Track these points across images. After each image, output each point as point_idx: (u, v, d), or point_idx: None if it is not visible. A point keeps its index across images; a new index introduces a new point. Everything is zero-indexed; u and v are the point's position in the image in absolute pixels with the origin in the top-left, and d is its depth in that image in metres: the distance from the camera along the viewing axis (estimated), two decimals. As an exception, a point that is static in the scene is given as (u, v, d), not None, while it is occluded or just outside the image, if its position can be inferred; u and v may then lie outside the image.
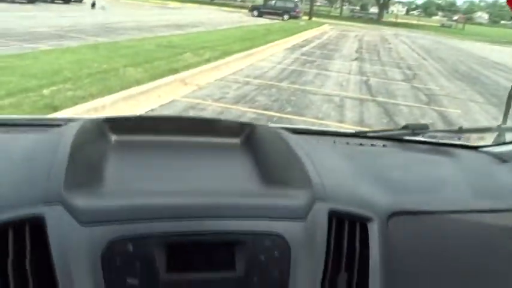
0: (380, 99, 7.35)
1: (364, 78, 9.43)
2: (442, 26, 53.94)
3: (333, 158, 0.95)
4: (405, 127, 1.21)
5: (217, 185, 0.76)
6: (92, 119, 0.96)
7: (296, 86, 7.56)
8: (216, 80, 7.29)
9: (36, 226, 0.62)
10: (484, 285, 0.87)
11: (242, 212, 0.69)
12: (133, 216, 0.63)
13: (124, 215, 0.63)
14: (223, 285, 0.63)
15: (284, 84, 7.66)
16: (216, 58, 8.81)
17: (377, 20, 46.43)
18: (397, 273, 0.76)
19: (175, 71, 7.04)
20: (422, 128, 1.21)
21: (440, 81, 10.30)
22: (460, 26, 53.04)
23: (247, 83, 7.35)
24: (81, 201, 0.63)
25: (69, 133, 0.81)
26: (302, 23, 25.82)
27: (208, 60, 8.37)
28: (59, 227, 0.61)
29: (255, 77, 7.98)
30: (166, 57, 8.15)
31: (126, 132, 0.93)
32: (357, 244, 0.74)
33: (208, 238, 0.65)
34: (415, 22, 53.24)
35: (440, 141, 1.30)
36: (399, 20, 51.95)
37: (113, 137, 0.92)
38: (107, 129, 0.92)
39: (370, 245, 0.75)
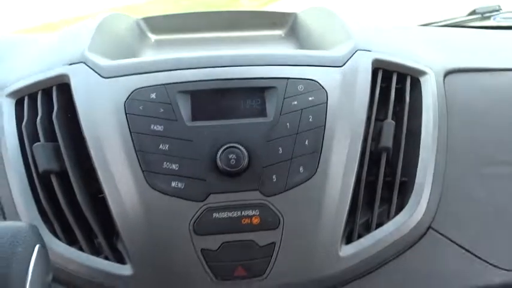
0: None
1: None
2: None
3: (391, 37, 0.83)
4: (472, 12, 1.10)
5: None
6: (128, 16, 0.94)
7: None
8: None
9: (62, 84, 0.64)
10: None
11: (273, 60, 0.64)
12: (156, 68, 0.62)
13: (147, 67, 0.63)
14: (254, 131, 0.59)
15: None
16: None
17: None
18: (453, 138, 0.69)
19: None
20: (493, 11, 1.10)
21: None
22: None
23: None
24: (105, 61, 0.65)
25: (102, 18, 0.80)
26: None
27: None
28: (83, 82, 0.62)
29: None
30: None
31: (163, 30, 0.90)
32: (407, 99, 0.68)
33: (235, 84, 0.62)
34: None
35: None
36: None
37: (149, 34, 0.90)
38: (143, 26, 0.91)
39: (423, 102, 0.68)
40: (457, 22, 1.16)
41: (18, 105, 0.65)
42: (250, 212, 0.58)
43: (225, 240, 0.58)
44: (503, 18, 1.16)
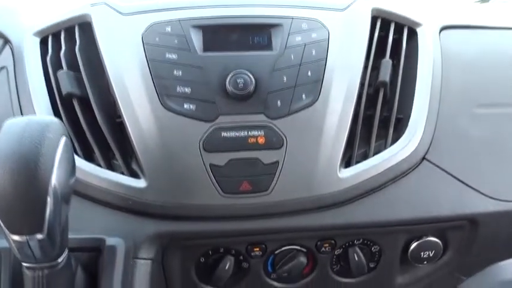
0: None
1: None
2: None
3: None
4: None
5: None
6: None
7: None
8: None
9: (84, 24, 0.69)
10: None
11: (280, 2, 0.70)
12: (172, 6, 0.68)
13: (163, 5, 0.68)
14: (261, 61, 0.65)
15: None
16: None
17: None
18: (447, 83, 0.74)
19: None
20: None
21: None
22: None
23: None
24: (124, 1, 0.70)
25: None
26: None
27: None
28: (104, 19, 0.67)
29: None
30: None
31: None
32: (403, 45, 0.73)
33: (244, 21, 0.68)
34: None
35: None
36: None
37: None
38: None
39: (419, 50, 0.73)
40: None
41: (43, 43, 0.71)
42: (256, 132, 0.63)
43: (232, 157, 0.62)
44: (503, 1, 1.23)
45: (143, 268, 0.62)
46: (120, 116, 0.64)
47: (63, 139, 0.46)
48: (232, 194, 0.63)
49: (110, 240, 0.60)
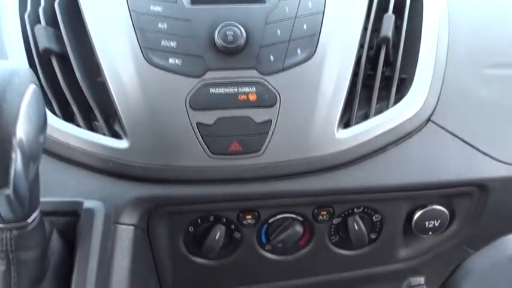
0: None
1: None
2: None
3: None
4: None
5: None
6: None
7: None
8: None
9: None
10: None
11: None
12: None
13: None
14: (253, 14, 0.59)
15: None
16: None
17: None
18: (454, 43, 0.69)
19: None
20: None
21: None
22: None
23: None
24: None
25: None
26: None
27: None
28: None
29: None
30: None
31: None
32: (407, 2, 0.67)
33: None
34: None
35: None
36: None
37: None
38: None
39: (424, 6, 0.68)
40: None
41: (22, 1, 0.66)
42: (247, 89, 0.58)
43: (221, 115, 0.58)
44: None
45: (125, 234, 0.58)
46: (101, 76, 0.59)
47: (32, 87, 0.42)
48: (221, 155, 0.58)
49: (88, 203, 0.55)
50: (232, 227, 0.67)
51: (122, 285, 0.55)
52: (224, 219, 0.66)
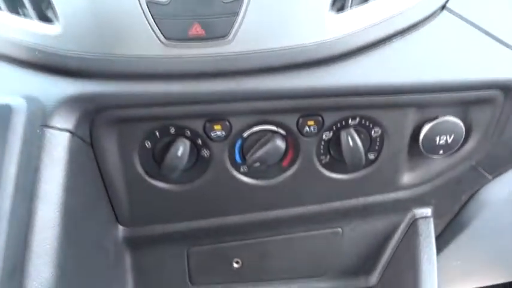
0: None
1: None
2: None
3: None
4: None
5: None
6: None
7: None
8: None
9: None
10: None
11: None
12: None
13: None
14: None
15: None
16: None
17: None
18: None
19: None
20: None
21: None
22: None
23: None
24: None
25: None
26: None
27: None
28: None
29: None
30: None
31: None
32: None
33: None
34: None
35: None
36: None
37: None
38: None
39: None
40: None
41: None
42: None
43: None
44: None
45: (56, 140, 0.46)
46: None
47: None
48: (178, 41, 0.46)
49: (4, 100, 0.43)
50: (199, 142, 0.55)
51: (52, 199, 0.44)
52: (188, 132, 0.54)
